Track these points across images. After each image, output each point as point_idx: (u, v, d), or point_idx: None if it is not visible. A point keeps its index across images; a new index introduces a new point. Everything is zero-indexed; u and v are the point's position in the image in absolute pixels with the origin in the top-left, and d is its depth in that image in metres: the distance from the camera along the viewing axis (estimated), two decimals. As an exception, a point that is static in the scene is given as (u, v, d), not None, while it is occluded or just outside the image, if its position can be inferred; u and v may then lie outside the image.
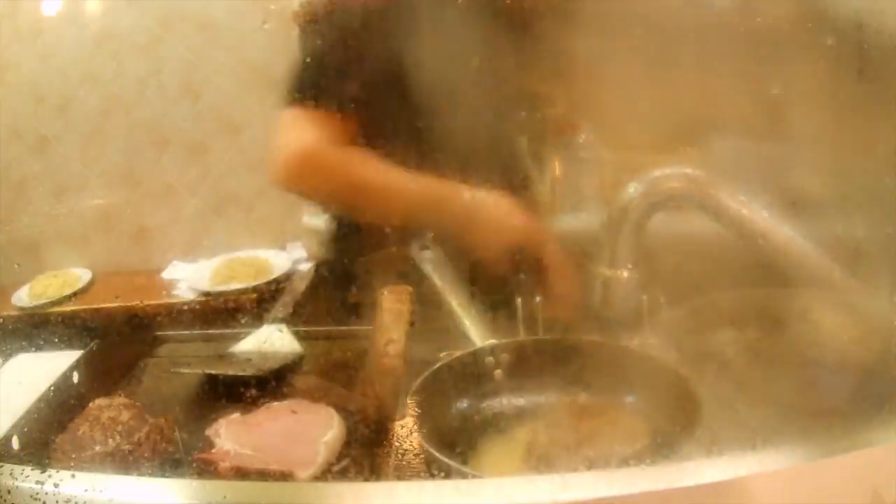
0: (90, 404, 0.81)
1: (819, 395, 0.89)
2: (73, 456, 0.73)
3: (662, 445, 0.73)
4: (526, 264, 0.85)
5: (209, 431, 0.79)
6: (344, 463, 0.78)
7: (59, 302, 1.26)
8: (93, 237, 1.40)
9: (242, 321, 1.17)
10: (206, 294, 1.30)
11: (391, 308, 0.90)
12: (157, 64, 1.41)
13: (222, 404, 0.89)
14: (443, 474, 0.68)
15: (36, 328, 1.09)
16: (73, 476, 0.61)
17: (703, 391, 0.76)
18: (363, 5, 1.06)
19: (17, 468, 0.62)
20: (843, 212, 0.95)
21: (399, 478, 0.76)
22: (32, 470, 0.62)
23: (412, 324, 0.93)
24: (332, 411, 0.82)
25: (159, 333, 1.14)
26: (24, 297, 1.24)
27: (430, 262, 0.95)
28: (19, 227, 1.39)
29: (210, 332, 1.16)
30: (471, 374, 0.86)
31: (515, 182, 1.06)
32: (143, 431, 0.76)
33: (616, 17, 1.04)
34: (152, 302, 1.28)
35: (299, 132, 1.04)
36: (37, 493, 0.60)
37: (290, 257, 1.41)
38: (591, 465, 0.69)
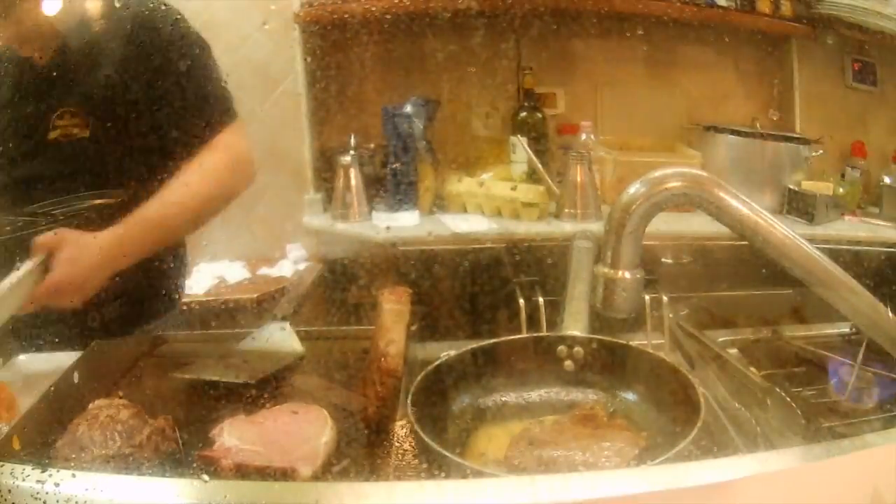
0: (90, 405, 0.81)
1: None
2: (73, 457, 0.73)
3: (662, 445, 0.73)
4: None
5: (214, 432, 0.79)
6: (344, 463, 0.78)
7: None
8: (93, 237, 1.40)
9: (242, 321, 1.17)
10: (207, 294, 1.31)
11: (391, 309, 0.90)
12: (157, 64, 1.40)
13: (222, 404, 0.89)
14: (443, 474, 0.68)
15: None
16: (73, 476, 0.61)
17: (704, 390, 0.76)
18: None
19: (18, 468, 0.62)
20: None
21: (399, 478, 0.76)
22: (33, 469, 0.62)
23: (413, 325, 0.93)
24: (324, 413, 0.82)
25: (159, 333, 1.14)
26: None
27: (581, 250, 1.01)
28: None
29: (210, 332, 1.16)
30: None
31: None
32: (144, 434, 0.76)
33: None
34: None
35: None
36: (37, 493, 0.59)
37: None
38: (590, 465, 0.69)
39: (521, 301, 0.99)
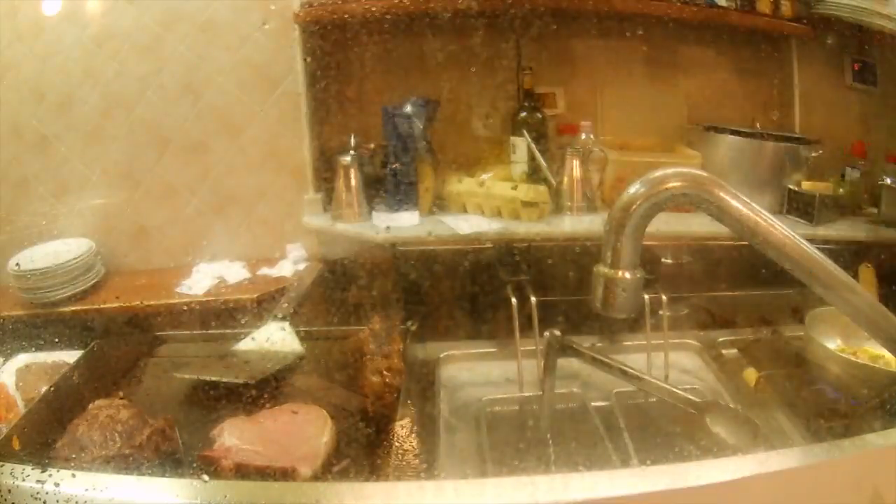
0: (90, 405, 0.81)
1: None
2: (73, 457, 0.73)
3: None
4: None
5: (214, 432, 0.79)
6: (344, 463, 0.78)
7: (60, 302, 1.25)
8: (93, 237, 1.40)
9: (242, 321, 1.17)
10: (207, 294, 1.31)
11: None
12: (157, 64, 1.40)
13: (222, 404, 0.89)
14: (443, 474, 0.68)
15: (36, 328, 1.09)
16: (73, 476, 0.61)
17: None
18: None
19: (18, 468, 0.62)
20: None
21: (399, 478, 0.76)
22: (33, 469, 0.62)
23: (415, 326, 0.93)
24: (324, 413, 0.82)
25: (159, 333, 1.14)
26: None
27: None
28: (19, 226, 1.39)
29: (210, 332, 1.16)
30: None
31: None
32: (144, 434, 0.76)
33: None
34: (152, 302, 1.28)
35: None
36: (37, 493, 0.60)
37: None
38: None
39: (514, 301, 0.99)
